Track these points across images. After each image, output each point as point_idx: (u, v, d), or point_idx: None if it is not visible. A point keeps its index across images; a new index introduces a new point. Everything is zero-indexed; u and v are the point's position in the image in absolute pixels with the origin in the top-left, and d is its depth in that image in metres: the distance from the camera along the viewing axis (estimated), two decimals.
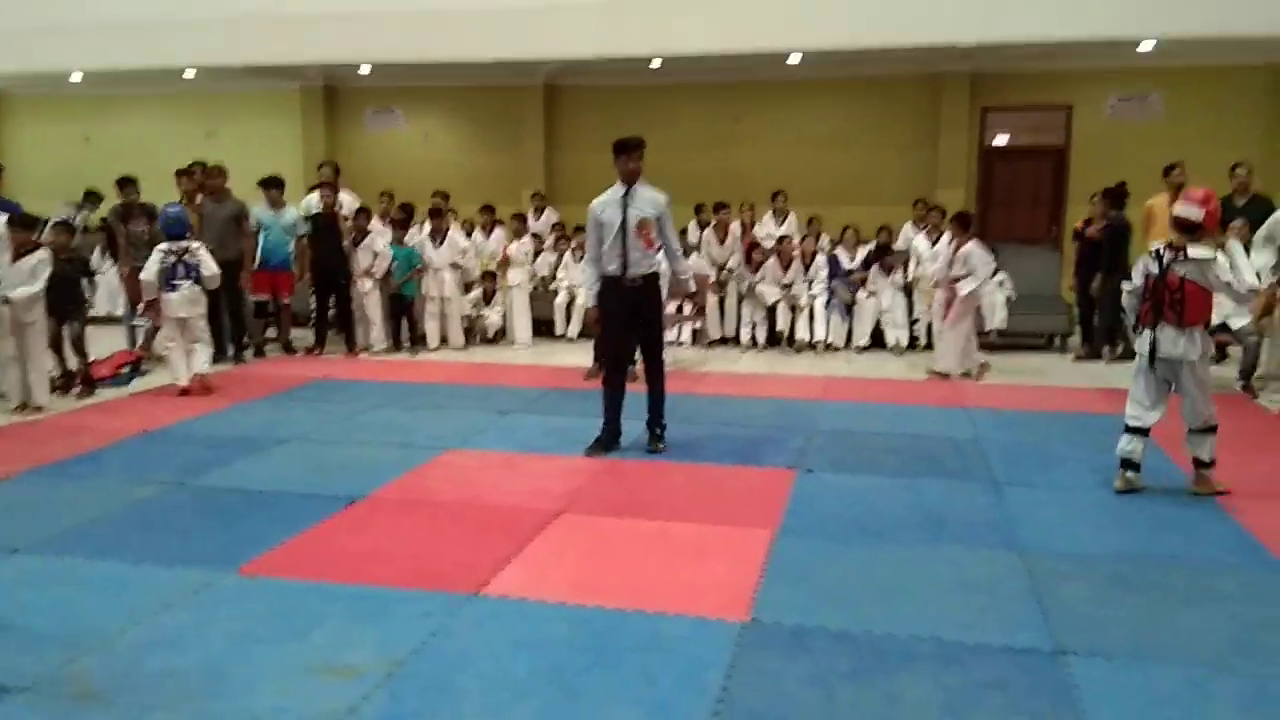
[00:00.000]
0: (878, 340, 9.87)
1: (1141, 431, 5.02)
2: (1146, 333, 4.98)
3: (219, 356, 9.01)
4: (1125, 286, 5.35)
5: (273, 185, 9.51)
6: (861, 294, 9.77)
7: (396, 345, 9.75)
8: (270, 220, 9.38)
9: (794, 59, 11.73)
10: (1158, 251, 4.99)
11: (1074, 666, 3.24)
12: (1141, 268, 5.08)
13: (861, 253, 10.09)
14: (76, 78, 13.65)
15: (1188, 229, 4.90)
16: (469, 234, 10.64)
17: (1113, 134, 12.05)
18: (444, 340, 9.92)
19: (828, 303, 9.84)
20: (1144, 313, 5.02)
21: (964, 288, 8.13)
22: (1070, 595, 3.81)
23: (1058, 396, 7.64)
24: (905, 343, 9.72)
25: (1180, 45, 10.62)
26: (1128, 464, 5.07)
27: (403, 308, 9.77)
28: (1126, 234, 8.68)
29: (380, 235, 9.75)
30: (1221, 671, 3.22)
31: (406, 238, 9.81)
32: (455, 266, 9.91)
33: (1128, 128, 12.03)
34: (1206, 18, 9.75)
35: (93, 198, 12.19)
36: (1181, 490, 5.13)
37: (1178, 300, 4.85)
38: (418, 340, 9.84)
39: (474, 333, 10.25)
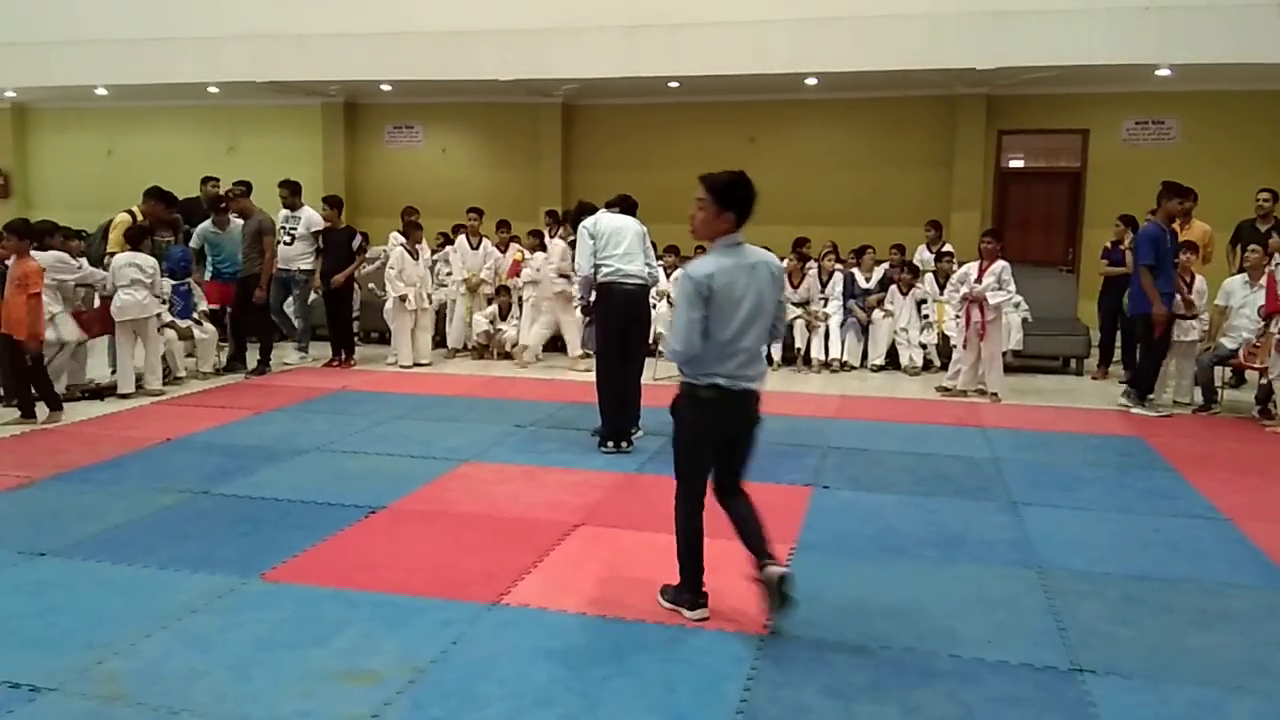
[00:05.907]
0: (893, 360, 9.89)
1: None
2: None
3: (238, 367, 9.13)
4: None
5: (218, 210, 9.29)
6: (877, 314, 9.80)
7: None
8: (216, 238, 9.23)
9: (810, 80, 11.80)
10: None
11: (1090, 684, 3.25)
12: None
13: (878, 273, 10.12)
14: (100, 91, 13.83)
15: None
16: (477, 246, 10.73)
17: (1129, 158, 12.05)
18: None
19: (843, 322, 9.88)
20: None
21: (995, 298, 8.19)
22: (1087, 614, 3.83)
23: (1074, 418, 7.64)
24: (920, 363, 9.73)
25: (1197, 71, 10.65)
26: None
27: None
28: None
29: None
30: (1236, 691, 3.23)
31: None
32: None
33: (1144, 152, 12.03)
34: (1224, 44, 9.79)
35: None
36: (1198, 513, 5.15)
37: None
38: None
39: (490, 348, 10.31)
